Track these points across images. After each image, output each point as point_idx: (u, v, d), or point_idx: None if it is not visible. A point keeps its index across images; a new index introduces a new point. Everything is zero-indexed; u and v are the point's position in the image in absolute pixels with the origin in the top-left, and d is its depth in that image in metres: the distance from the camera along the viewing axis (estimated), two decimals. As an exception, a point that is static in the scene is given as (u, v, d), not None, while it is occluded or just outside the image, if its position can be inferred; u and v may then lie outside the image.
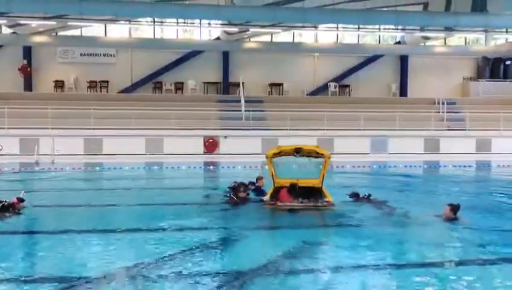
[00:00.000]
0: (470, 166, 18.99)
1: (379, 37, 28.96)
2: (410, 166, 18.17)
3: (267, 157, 10.19)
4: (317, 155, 10.17)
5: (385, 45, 29.06)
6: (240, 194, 10.07)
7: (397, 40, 28.90)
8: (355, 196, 10.54)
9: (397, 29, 26.64)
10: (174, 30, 26.93)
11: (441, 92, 26.14)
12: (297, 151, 10.07)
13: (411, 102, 26.23)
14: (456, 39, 28.97)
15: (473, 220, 8.63)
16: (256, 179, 11.34)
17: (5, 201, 9.01)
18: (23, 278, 5.90)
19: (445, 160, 20.38)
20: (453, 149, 21.77)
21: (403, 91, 28.58)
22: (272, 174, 10.18)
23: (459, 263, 6.69)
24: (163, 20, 25.45)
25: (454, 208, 8.57)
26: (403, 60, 28.63)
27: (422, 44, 28.49)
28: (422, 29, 25.66)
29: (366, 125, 22.29)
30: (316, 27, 26.17)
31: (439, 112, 24.23)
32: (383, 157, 20.73)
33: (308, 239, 7.69)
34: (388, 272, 6.31)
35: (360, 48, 28.08)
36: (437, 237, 7.97)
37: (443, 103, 24.29)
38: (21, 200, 9.32)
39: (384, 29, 27.06)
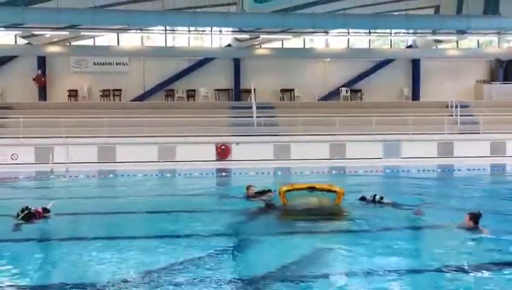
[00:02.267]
0: (484, 169, 18.79)
1: (390, 41, 28.86)
2: (424, 170, 18.04)
3: (279, 193, 10.20)
4: (330, 191, 10.14)
5: (396, 48, 28.94)
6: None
7: (409, 44, 28.77)
8: (365, 199, 10.49)
9: (408, 33, 26.53)
10: (185, 38, 27.12)
11: (453, 95, 25.91)
12: (311, 190, 10.12)
13: (424, 105, 26.04)
14: (469, 42, 28.75)
15: (492, 227, 8.19)
16: (246, 188, 11.47)
17: (31, 209, 9.19)
18: (34, 285, 5.97)
19: (459, 164, 20.18)
20: (467, 152, 21.54)
21: (416, 95, 28.39)
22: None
23: (475, 275, 6.43)
24: (175, 29, 25.66)
25: (474, 217, 8.06)
26: (415, 63, 28.47)
27: (434, 47, 28.32)
28: (434, 33, 25.52)
29: (379, 130, 22.17)
30: (326, 32, 26.17)
31: (452, 116, 24.02)
32: (396, 161, 20.60)
33: (322, 244, 7.68)
34: (401, 280, 6.25)
35: (371, 52, 28.00)
36: (452, 247, 7.64)
37: (456, 106, 24.08)
38: (46, 210, 9.47)
39: (396, 33, 26.96)
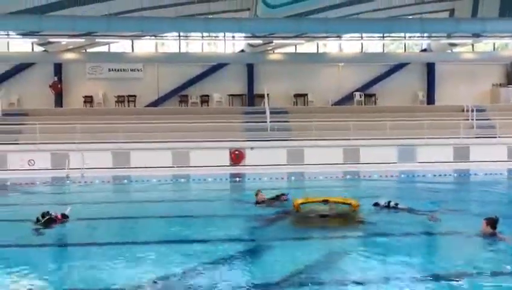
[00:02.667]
0: (501, 174, 18.53)
1: (404, 45, 28.68)
2: (440, 175, 17.85)
3: (294, 205, 10.25)
4: (345, 203, 10.12)
5: (411, 52, 28.74)
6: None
7: (423, 48, 28.56)
8: (379, 205, 10.40)
9: (423, 36, 26.33)
10: (199, 44, 27.28)
11: (469, 99, 25.63)
12: (325, 203, 10.20)
13: (439, 110, 25.80)
14: (484, 45, 28.44)
15: (510, 232, 8.07)
16: (255, 194, 11.46)
17: (52, 214, 9.30)
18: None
19: (475, 168, 19.91)
20: (484, 157, 21.26)
21: (430, 99, 28.15)
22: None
23: (493, 283, 6.29)
24: (188, 35, 25.82)
25: (492, 222, 7.91)
26: (430, 67, 28.25)
27: (449, 51, 28.05)
28: (448, 36, 25.29)
29: (393, 134, 22.00)
30: (340, 37, 26.11)
31: (468, 120, 23.74)
32: (411, 166, 20.40)
33: (337, 250, 7.63)
34: (417, 287, 6.17)
35: (385, 56, 27.85)
36: (469, 253, 7.52)
37: (472, 110, 23.79)
38: (65, 216, 9.58)
39: (410, 37, 26.78)
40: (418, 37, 26.46)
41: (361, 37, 26.32)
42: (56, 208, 9.84)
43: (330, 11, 20.05)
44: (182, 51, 27.00)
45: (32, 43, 24.97)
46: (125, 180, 17.97)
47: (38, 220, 9.24)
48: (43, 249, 8.14)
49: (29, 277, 6.57)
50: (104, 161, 20.38)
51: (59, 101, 26.53)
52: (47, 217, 9.23)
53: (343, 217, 9.70)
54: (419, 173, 18.61)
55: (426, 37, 26.17)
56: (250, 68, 27.35)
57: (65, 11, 17.42)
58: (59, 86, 26.27)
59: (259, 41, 25.11)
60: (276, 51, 27.18)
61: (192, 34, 25.23)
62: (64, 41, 23.95)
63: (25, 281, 6.40)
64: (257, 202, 11.29)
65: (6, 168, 20.08)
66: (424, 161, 20.98)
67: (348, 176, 18.54)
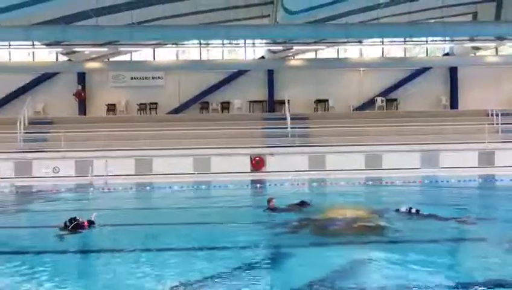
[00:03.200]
0: (528, 179, 18.08)
1: (426, 49, 28.37)
2: (464, 180, 17.53)
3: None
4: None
5: (433, 57, 28.41)
6: None
7: (446, 52, 28.20)
8: (401, 211, 10.27)
9: (445, 40, 26.01)
10: (219, 51, 27.48)
11: (493, 103, 25.17)
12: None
13: (462, 114, 25.38)
14: (508, 48, 27.92)
15: None
16: (268, 201, 11.43)
17: (79, 220, 9.45)
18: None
19: (501, 173, 19.50)
20: (510, 162, 20.80)
21: (454, 103, 27.75)
22: None
23: None
24: (209, 42, 26.04)
25: None
26: (453, 71, 27.87)
27: (473, 54, 27.65)
28: (471, 40, 24.93)
29: (416, 140, 21.74)
30: (360, 42, 25.99)
31: (493, 124, 23.30)
32: (435, 172, 20.10)
33: (360, 256, 7.55)
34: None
35: (407, 61, 27.59)
36: (497, 261, 7.32)
37: (497, 115, 23.36)
38: (91, 222, 9.72)
39: (432, 41, 26.49)
40: (441, 41, 26.15)
41: (383, 41, 26.15)
42: (81, 215, 9.97)
43: (351, 16, 19.99)
44: (202, 58, 27.24)
45: (57, 53, 25.51)
46: (148, 187, 18.15)
47: (66, 226, 9.39)
48: (67, 255, 8.25)
49: (54, 283, 6.67)
50: (127, 168, 20.63)
51: (83, 109, 27.01)
52: (74, 222, 9.37)
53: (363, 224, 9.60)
54: (442, 179, 18.32)
55: (449, 41, 25.85)
56: (270, 74, 27.40)
57: (89, 21, 17.77)
58: (83, 94, 26.76)
59: (279, 47, 25.16)
60: (296, 57, 27.21)
61: (213, 41, 25.45)
62: (87, 50, 24.42)
63: (49, 287, 6.51)
64: (269, 209, 11.25)
65: (32, 175, 20.50)
66: (448, 166, 20.65)
67: (370, 182, 18.36)
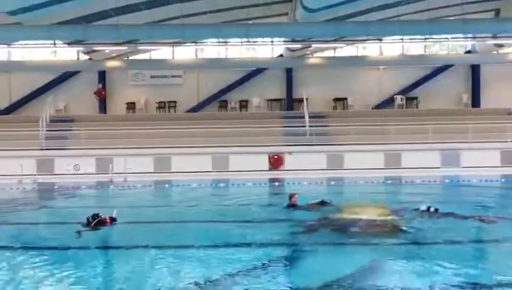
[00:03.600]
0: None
1: (448, 46, 27.94)
2: (486, 180, 17.25)
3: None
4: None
5: (454, 54, 27.97)
6: None
7: (467, 49, 27.74)
8: (421, 210, 10.18)
9: (467, 37, 25.58)
10: (238, 49, 27.51)
11: (517, 102, 24.69)
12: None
13: (484, 113, 24.96)
14: (533, 45, 27.33)
15: None
16: (290, 197, 11.40)
17: (101, 217, 9.60)
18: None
19: (524, 173, 19.13)
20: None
21: (475, 102, 27.28)
22: None
23: None
24: (228, 41, 26.08)
25: None
26: (475, 69, 27.39)
27: (495, 52, 27.13)
28: (494, 37, 24.46)
29: (436, 138, 21.45)
30: (380, 39, 25.72)
31: (516, 123, 22.87)
32: (455, 171, 19.82)
33: (379, 255, 7.50)
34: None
35: (427, 58, 27.21)
36: None
37: (520, 113, 22.93)
38: (113, 219, 9.86)
39: (453, 38, 26.07)
40: (462, 38, 25.73)
41: (402, 39, 25.82)
42: (101, 211, 10.10)
43: (370, 14, 19.79)
44: (221, 56, 27.29)
45: (78, 52, 25.85)
46: (167, 185, 18.28)
47: (89, 222, 9.53)
48: (88, 252, 8.37)
49: (74, 278, 6.78)
50: (146, 166, 20.81)
51: (103, 107, 27.33)
52: (97, 219, 9.51)
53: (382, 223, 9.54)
54: (463, 178, 18.06)
55: (470, 38, 25.42)
56: (289, 72, 27.33)
57: (109, 20, 17.95)
58: (103, 92, 27.08)
59: (298, 45, 25.06)
60: (315, 55, 27.07)
61: (232, 39, 25.46)
62: (108, 49, 24.67)
63: (69, 282, 6.62)
64: (291, 205, 11.23)
65: (53, 173, 20.83)
66: (469, 165, 20.33)
67: (389, 181, 18.19)
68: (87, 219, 9.60)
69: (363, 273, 6.68)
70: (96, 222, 9.46)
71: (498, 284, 6.31)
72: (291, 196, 11.52)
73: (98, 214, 9.67)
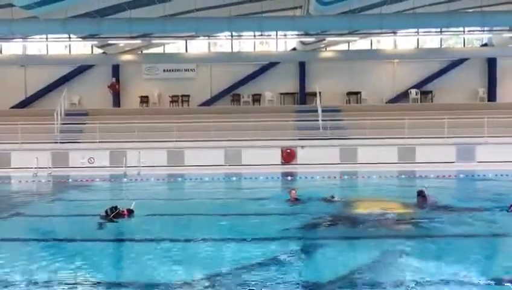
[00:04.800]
0: None
1: (464, 39, 27.55)
2: (502, 175, 17.02)
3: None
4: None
5: (470, 47, 27.57)
6: None
7: (484, 42, 27.32)
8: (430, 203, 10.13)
9: (483, 30, 25.18)
10: (251, 43, 27.44)
11: (534, 96, 24.31)
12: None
13: (501, 107, 24.61)
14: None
15: None
16: (289, 191, 11.41)
17: (119, 209, 9.71)
18: (107, 282, 6.27)
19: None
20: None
21: (492, 96, 26.90)
22: None
23: None
24: (241, 34, 26.02)
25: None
26: (491, 62, 26.99)
27: (512, 45, 26.67)
28: (511, 30, 24.04)
29: (451, 133, 21.22)
30: (394, 33, 25.44)
31: (533, 117, 22.50)
32: (471, 166, 19.59)
33: (390, 249, 7.46)
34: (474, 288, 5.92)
35: (442, 52, 26.85)
36: None
37: (537, 107, 22.56)
38: (130, 211, 9.97)
39: (469, 31, 25.68)
40: (478, 31, 25.32)
41: (418, 32, 25.51)
42: (116, 204, 10.19)
43: (385, 6, 19.57)
44: (234, 50, 27.27)
45: (92, 46, 26.02)
46: (180, 178, 18.36)
47: (107, 214, 9.65)
48: (102, 243, 8.46)
49: (86, 269, 6.87)
50: (160, 159, 20.93)
51: (117, 101, 27.51)
52: (115, 211, 9.63)
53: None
54: (479, 173, 17.84)
55: (487, 31, 25.02)
56: (302, 66, 27.21)
57: (122, 13, 18.02)
58: (117, 86, 27.26)
59: (311, 39, 24.91)
60: (328, 49, 26.90)
61: (245, 33, 25.40)
62: (121, 43, 24.80)
63: (84, 272, 6.71)
64: (291, 200, 11.26)
65: (68, 166, 21.06)
66: (485, 160, 20.09)
67: (403, 176, 18.05)
68: (106, 211, 9.71)
69: (375, 265, 6.65)
70: (114, 215, 9.57)
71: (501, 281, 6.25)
72: (290, 191, 11.55)
73: (116, 206, 9.79)
